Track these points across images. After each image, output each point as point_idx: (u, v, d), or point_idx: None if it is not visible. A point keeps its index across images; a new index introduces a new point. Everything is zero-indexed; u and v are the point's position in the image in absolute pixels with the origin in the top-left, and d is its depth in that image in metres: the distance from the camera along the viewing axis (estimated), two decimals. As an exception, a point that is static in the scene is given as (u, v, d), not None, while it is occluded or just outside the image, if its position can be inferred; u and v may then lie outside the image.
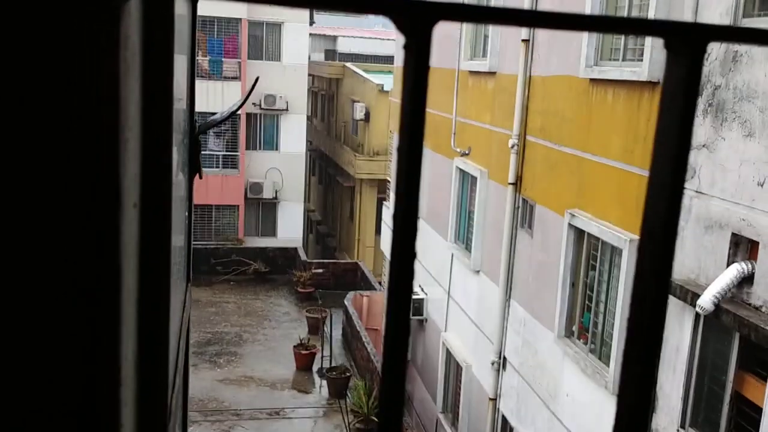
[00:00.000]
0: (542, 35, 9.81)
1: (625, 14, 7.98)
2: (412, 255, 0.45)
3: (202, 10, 24.60)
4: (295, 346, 17.68)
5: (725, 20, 6.25)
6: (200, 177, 2.03)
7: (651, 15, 7.22)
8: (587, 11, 8.41)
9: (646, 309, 0.49)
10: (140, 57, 0.71)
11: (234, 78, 25.08)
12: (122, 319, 0.63)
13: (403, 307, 0.45)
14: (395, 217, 0.44)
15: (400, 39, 0.43)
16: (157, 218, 0.81)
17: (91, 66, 0.53)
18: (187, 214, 1.95)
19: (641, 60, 7.47)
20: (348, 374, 16.51)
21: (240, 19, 24.98)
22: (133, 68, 0.66)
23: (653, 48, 7.13)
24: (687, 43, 0.46)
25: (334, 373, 16.47)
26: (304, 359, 17.44)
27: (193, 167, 1.96)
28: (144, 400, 0.81)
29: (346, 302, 19.08)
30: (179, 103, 1.65)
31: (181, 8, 1.56)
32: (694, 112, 0.48)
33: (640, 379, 0.49)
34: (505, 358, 10.85)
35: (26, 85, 0.53)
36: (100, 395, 0.61)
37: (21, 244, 0.55)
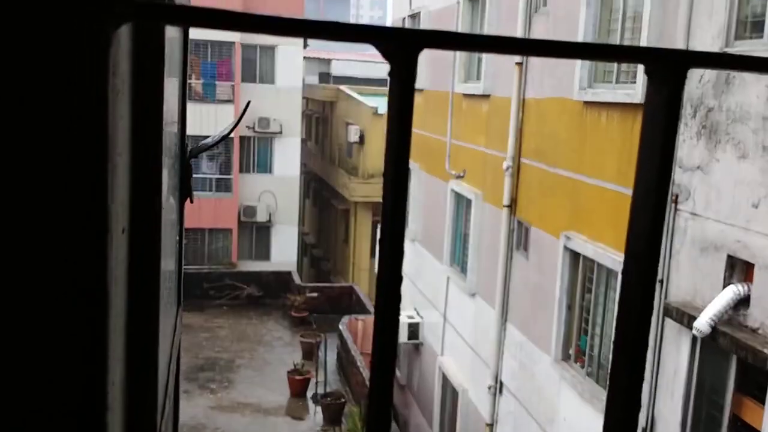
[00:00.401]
0: (536, 58, 9.87)
1: (618, 37, 8.04)
2: (399, 277, 0.43)
3: (195, 33, 24.75)
4: (289, 372, 17.53)
5: (717, 43, 6.29)
6: (191, 201, 2.00)
7: (644, 37, 7.27)
8: (580, 34, 8.47)
9: (632, 324, 0.49)
10: (130, 83, 0.70)
11: (227, 101, 25.16)
12: (109, 344, 0.62)
13: (391, 327, 0.43)
14: (381, 241, 0.42)
15: (386, 66, 0.42)
16: (146, 243, 0.79)
17: (80, 93, 0.54)
18: (177, 238, 1.92)
19: (634, 82, 7.51)
20: (343, 400, 16.35)
21: (233, 42, 25.12)
22: (122, 94, 0.66)
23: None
24: (667, 69, 0.47)
25: (328, 399, 16.32)
26: (298, 385, 17.28)
27: (184, 191, 1.94)
28: (133, 425, 0.79)
29: (340, 326, 18.98)
30: (170, 127, 1.63)
31: (172, 31, 1.55)
32: (675, 137, 0.48)
33: (627, 394, 0.48)
34: (501, 382, 10.76)
35: (15, 111, 0.53)
36: (86, 420, 0.60)
37: (5, 268, 0.56)
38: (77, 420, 0.59)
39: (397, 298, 0.44)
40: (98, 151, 0.56)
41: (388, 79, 0.42)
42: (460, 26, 12.38)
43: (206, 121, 24.55)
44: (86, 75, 0.53)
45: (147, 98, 0.77)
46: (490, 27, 11.21)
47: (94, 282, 0.58)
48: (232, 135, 24.86)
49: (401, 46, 0.41)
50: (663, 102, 0.47)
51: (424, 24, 14.42)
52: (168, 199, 1.64)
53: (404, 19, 15.72)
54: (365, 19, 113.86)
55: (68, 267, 0.57)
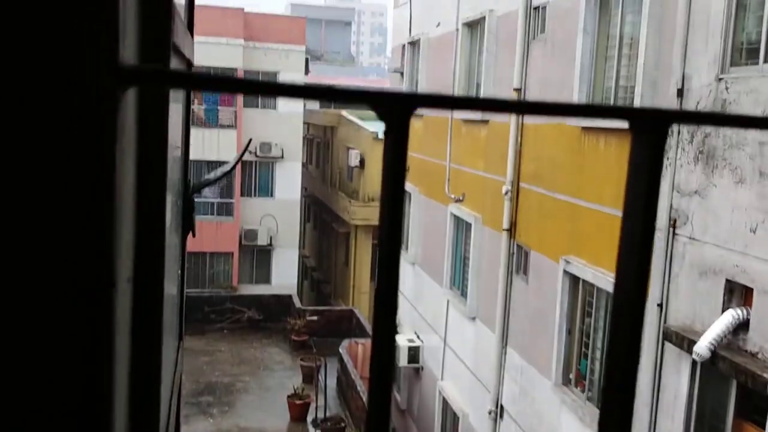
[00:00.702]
0: (534, 84, 9.97)
1: (615, 62, 8.13)
2: (393, 334, 0.46)
3: (198, 59, 25.02)
4: (289, 396, 17.43)
5: (713, 69, 6.37)
6: (194, 236, 2.03)
7: (640, 63, 7.36)
8: (577, 60, 8.57)
9: (623, 348, 0.51)
10: (136, 139, 0.74)
11: (230, 126, 25.32)
12: (114, 391, 0.64)
13: (387, 351, 0.46)
14: (377, 292, 0.45)
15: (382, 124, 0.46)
16: (149, 294, 0.82)
17: (88, 155, 0.56)
18: (179, 272, 1.95)
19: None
20: (343, 424, 16.24)
21: (236, 69, 25.34)
22: (128, 152, 0.69)
23: (643, 96, 7.25)
24: (650, 125, 0.49)
25: (328, 423, 16.21)
26: (298, 409, 17.17)
27: (187, 226, 1.97)
28: None
29: (341, 350, 18.90)
30: (174, 163, 1.67)
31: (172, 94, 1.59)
32: (658, 191, 0.51)
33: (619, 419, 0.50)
34: (502, 406, 10.71)
35: (29, 172, 0.55)
36: None
37: (13, 311, 0.57)
38: None
39: (393, 328, 0.47)
40: (105, 212, 0.58)
41: (383, 137, 0.46)
42: (459, 52, 12.51)
43: (209, 146, 24.68)
44: (95, 136, 0.56)
45: (151, 153, 0.81)
46: (488, 54, 11.33)
47: (100, 334, 0.59)
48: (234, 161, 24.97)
49: (395, 107, 0.45)
50: (646, 157, 0.49)
51: (424, 50, 14.57)
52: (170, 235, 1.68)
53: (404, 45, 15.88)
54: (366, 45, 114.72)
55: (75, 322, 0.58)
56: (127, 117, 0.66)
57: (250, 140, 3.75)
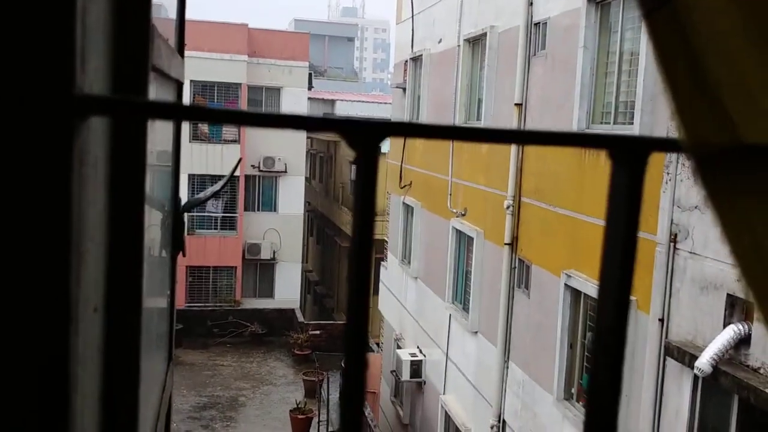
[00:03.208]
0: (535, 99, 10.02)
1: (615, 78, 8.17)
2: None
3: (202, 75, 25.07)
4: (291, 411, 17.38)
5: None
6: (183, 255, 2.04)
7: (640, 80, 7.40)
8: (578, 75, 8.62)
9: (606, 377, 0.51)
10: (107, 168, 0.73)
11: (233, 141, 25.41)
12: (74, 423, 0.60)
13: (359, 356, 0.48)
14: (346, 333, 0.47)
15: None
16: (123, 320, 0.81)
17: (42, 184, 0.54)
18: (169, 292, 1.96)
19: (632, 123, 7.62)
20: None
21: (240, 84, 25.47)
22: (93, 179, 0.67)
23: (643, 111, 7.28)
24: (629, 154, 0.50)
25: (331, 437, 16.15)
26: (300, 424, 17.12)
27: (177, 245, 1.98)
28: None
29: (343, 364, 18.80)
30: (163, 181, 1.68)
31: (164, 98, 1.58)
32: (638, 217, 0.51)
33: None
34: (504, 421, 10.67)
35: None
36: None
37: None
38: None
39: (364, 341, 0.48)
40: (59, 239, 0.55)
41: (354, 166, 0.48)
42: (461, 68, 12.58)
43: (212, 160, 24.77)
44: (48, 167, 0.53)
45: (127, 181, 0.79)
46: (489, 69, 11.39)
47: (56, 365, 0.56)
48: (238, 174, 25.05)
49: (364, 136, 0.47)
50: (625, 184, 0.49)
51: (426, 65, 14.64)
52: (161, 254, 1.69)
53: (406, 61, 15.97)
54: (369, 61, 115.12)
55: (28, 354, 0.55)
56: (91, 144, 0.66)
57: (240, 159, 3.79)
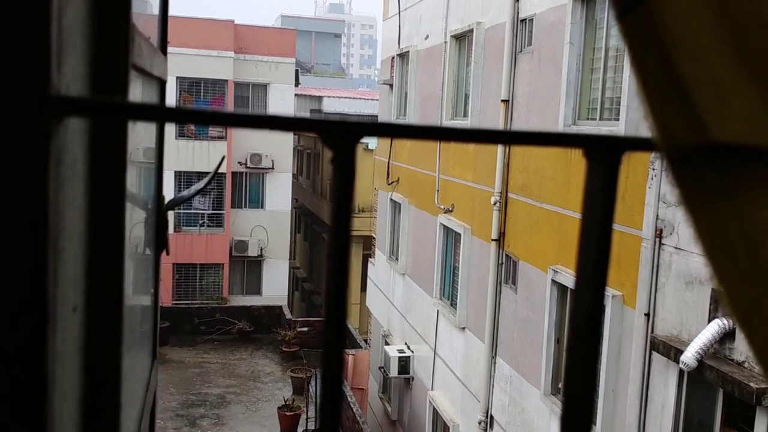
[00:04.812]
0: (521, 95, 10.05)
1: (601, 74, 8.21)
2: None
3: (189, 71, 24.94)
4: (279, 408, 17.37)
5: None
6: (167, 253, 2.04)
7: (626, 75, 7.44)
8: (564, 72, 8.65)
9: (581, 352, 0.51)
10: (85, 167, 0.73)
11: (220, 138, 25.31)
12: (52, 422, 0.60)
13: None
14: (324, 332, 0.47)
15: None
16: (104, 319, 0.81)
17: (17, 185, 0.53)
18: (153, 290, 1.96)
19: (618, 119, 7.66)
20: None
21: (226, 80, 25.37)
22: (72, 179, 0.67)
23: (629, 108, 7.32)
24: (604, 152, 0.50)
25: (319, 434, 16.15)
26: (288, 421, 17.11)
27: (160, 244, 1.97)
28: None
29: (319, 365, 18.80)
30: (146, 178, 1.67)
31: (147, 97, 1.58)
32: (612, 215, 0.51)
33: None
34: (492, 416, 10.72)
35: None
36: None
37: None
38: None
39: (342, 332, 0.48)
40: (35, 237, 0.54)
41: (330, 165, 0.48)
42: (448, 64, 12.59)
43: (198, 157, 24.65)
44: (24, 168, 0.53)
45: (107, 179, 0.79)
46: (476, 65, 11.41)
47: (32, 371, 0.56)
48: (224, 170, 24.96)
49: (340, 135, 0.48)
50: (601, 183, 0.51)
51: (413, 62, 14.64)
52: (144, 252, 1.68)
53: (393, 57, 15.96)
54: (356, 57, 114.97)
55: (4, 354, 0.55)
56: (69, 143, 0.65)
57: (224, 157, 3.78)
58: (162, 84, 1.88)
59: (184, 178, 23.51)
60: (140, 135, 1.42)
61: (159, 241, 1.93)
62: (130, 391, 1.23)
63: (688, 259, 6.51)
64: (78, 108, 0.52)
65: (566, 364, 0.53)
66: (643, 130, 7.08)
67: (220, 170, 26.18)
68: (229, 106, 25.34)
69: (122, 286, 0.86)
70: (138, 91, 1.28)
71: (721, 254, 0.46)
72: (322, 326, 0.48)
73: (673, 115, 0.46)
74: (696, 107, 0.44)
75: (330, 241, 0.48)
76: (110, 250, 0.83)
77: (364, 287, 24.04)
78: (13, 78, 0.52)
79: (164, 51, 1.98)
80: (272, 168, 26.32)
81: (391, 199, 15.83)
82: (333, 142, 0.47)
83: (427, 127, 0.52)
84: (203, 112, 0.48)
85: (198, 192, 2.94)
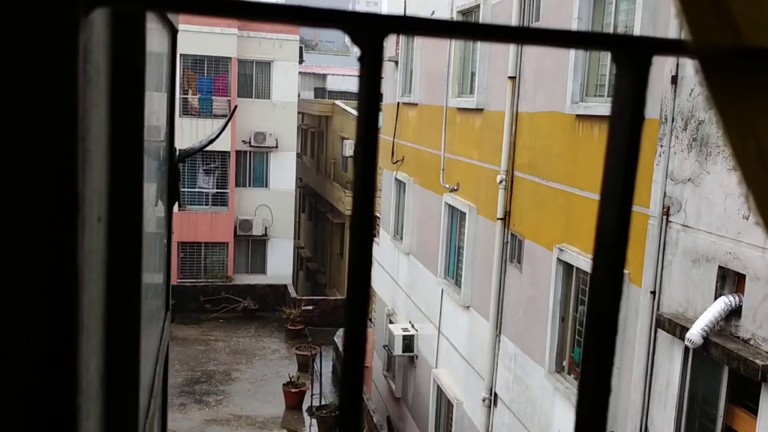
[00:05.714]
0: (528, 72, 9.96)
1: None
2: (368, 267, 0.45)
3: (193, 49, 24.85)
4: (284, 384, 17.49)
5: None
6: (179, 206, 2.03)
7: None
8: (571, 59, 8.55)
9: (602, 323, 0.50)
10: (108, 72, 0.72)
11: (224, 116, 25.23)
12: (81, 328, 0.61)
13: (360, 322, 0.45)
14: (351, 227, 0.45)
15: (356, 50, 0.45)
16: (126, 232, 0.80)
17: (47, 77, 0.53)
18: (166, 241, 1.95)
19: (625, 96, 7.58)
20: (338, 412, 16.31)
21: (230, 58, 25.24)
22: (96, 83, 0.66)
23: (637, 84, 7.24)
24: (633, 55, 0.48)
25: (324, 411, 16.27)
26: (293, 397, 17.23)
27: (173, 195, 1.96)
28: (111, 417, 0.79)
29: (336, 339, 18.94)
30: (158, 131, 1.66)
31: (159, 44, 1.57)
32: (642, 123, 0.49)
33: (597, 382, 0.49)
34: (496, 394, 10.76)
35: None
36: (56, 403, 0.59)
37: None
38: (47, 407, 0.58)
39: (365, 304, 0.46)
40: (65, 134, 0.54)
41: (358, 63, 0.45)
42: (454, 41, 12.48)
43: (203, 135, 24.57)
44: (53, 58, 0.52)
45: (126, 89, 0.78)
46: (483, 42, 11.30)
47: (64, 268, 0.57)
48: (229, 149, 24.92)
49: (369, 30, 0.44)
50: (630, 89, 0.48)
51: (418, 39, 14.53)
52: (156, 203, 1.67)
53: (398, 34, 15.82)
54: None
55: (36, 250, 0.55)
56: (94, 46, 0.64)
57: (236, 107, 3.76)
58: (174, 34, 1.86)
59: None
60: (151, 88, 1.40)
61: (171, 192, 1.92)
62: (147, 331, 1.22)
63: (695, 237, 6.48)
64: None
65: (591, 275, 0.51)
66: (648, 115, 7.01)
67: (224, 149, 26.03)
68: (233, 84, 25.25)
69: (141, 197, 0.85)
70: (153, 39, 1.25)
71: (751, 158, 0.45)
72: (334, 305, 0.45)
73: (706, 17, 0.44)
74: (730, 11, 0.43)
75: (356, 145, 0.46)
76: (131, 157, 0.81)
77: (368, 266, 23.94)
78: None
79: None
80: (276, 147, 26.27)
81: (396, 179, 15.78)
82: (361, 37, 0.44)
83: (460, 23, 0.48)
84: (224, 3, 0.45)
85: (210, 142, 2.93)
